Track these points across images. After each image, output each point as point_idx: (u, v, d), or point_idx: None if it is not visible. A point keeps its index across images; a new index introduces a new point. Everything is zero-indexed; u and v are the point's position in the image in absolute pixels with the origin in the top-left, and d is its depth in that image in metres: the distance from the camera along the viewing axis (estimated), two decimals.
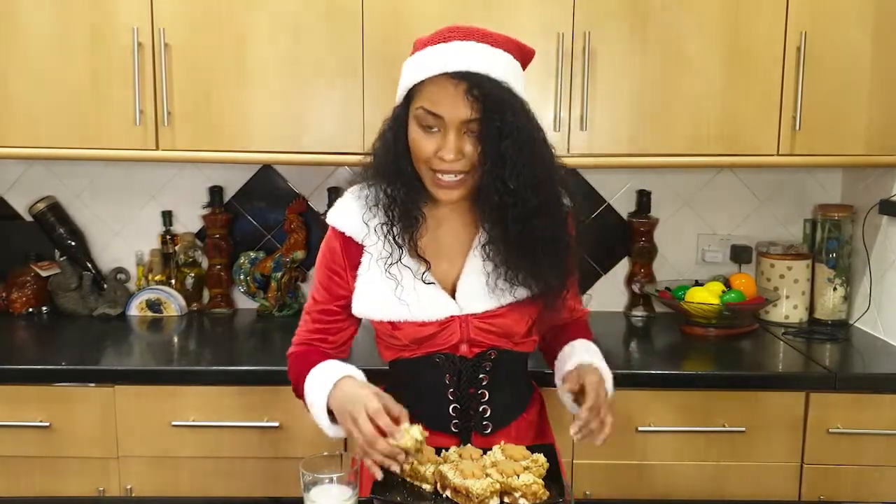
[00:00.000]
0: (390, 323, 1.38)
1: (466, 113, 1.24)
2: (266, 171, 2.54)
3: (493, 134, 1.24)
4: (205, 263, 2.56)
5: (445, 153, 1.25)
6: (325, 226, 2.47)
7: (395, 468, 1.18)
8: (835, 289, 2.43)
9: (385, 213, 1.33)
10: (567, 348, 1.46)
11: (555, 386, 1.45)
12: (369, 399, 1.21)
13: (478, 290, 1.36)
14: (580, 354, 1.42)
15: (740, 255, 2.51)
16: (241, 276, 2.51)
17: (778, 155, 2.11)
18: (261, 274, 2.50)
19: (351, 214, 1.39)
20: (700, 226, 2.57)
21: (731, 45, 2.07)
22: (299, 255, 2.48)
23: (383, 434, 1.17)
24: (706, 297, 2.28)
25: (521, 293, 1.36)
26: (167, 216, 2.52)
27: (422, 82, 1.27)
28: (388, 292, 1.35)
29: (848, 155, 2.13)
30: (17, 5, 2.05)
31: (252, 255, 2.52)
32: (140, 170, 2.52)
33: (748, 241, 2.55)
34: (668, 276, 2.56)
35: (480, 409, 1.41)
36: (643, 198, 2.49)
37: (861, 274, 2.41)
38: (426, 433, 1.20)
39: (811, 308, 2.47)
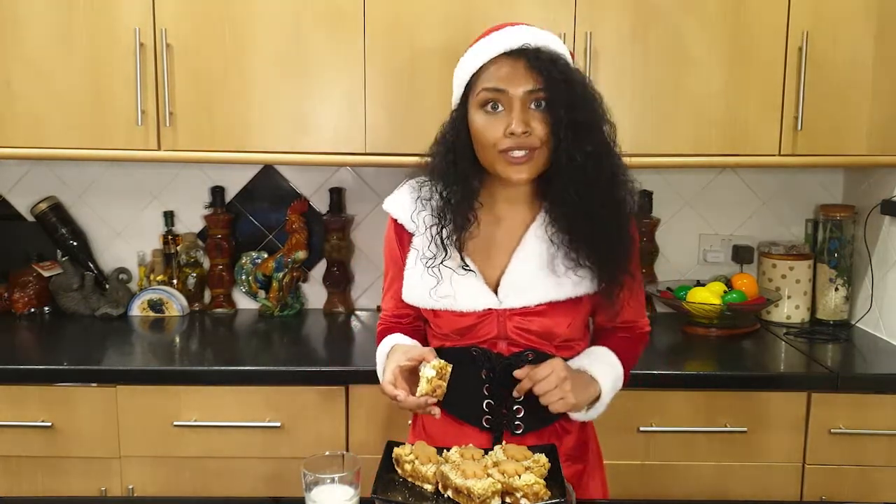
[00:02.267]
0: (433, 311, 1.40)
1: (530, 83, 1.26)
2: (268, 171, 2.54)
3: (561, 101, 1.25)
4: (206, 263, 2.56)
5: (515, 126, 1.25)
6: (327, 226, 2.48)
7: (435, 412, 1.27)
8: (836, 289, 2.43)
9: (435, 214, 1.34)
10: (590, 349, 1.44)
11: None
12: (386, 374, 1.31)
13: (522, 284, 1.35)
14: (584, 359, 1.41)
15: (742, 255, 2.51)
16: (243, 277, 2.51)
17: (780, 155, 2.11)
18: (262, 274, 2.51)
19: (402, 202, 1.42)
20: (702, 226, 2.56)
21: (733, 45, 2.07)
22: (301, 255, 2.48)
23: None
24: (708, 297, 2.28)
25: (566, 290, 1.34)
26: (169, 216, 2.52)
27: (480, 70, 1.29)
28: (430, 282, 1.36)
29: (850, 155, 2.12)
30: (20, 6, 2.05)
31: (254, 255, 2.52)
32: (142, 170, 2.52)
33: (750, 241, 2.54)
34: (669, 276, 2.55)
35: (514, 409, 1.40)
36: (645, 198, 2.49)
37: (863, 274, 2.40)
38: (439, 363, 1.27)
39: (813, 308, 2.47)
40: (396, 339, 1.44)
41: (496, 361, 1.38)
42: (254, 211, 2.56)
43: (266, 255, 2.53)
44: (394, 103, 2.09)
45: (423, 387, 1.26)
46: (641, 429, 1.95)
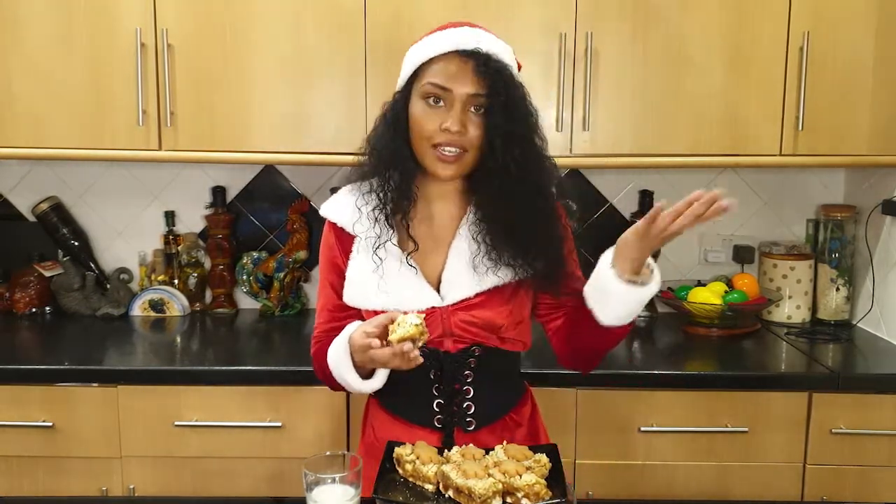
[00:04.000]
0: (374, 312, 1.38)
1: (474, 87, 1.29)
2: (268, 171, 2.54)
3: (499, 108, 1.30)
4: (207, 263, 2.56)
5: (451, 124, 1.29)
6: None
7: (415, 353, 1.21)
8: (837, 289, 2.42)
9: (378, 197, 1.37)
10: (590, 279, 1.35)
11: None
12: (357, 334, 1.28)
13: (460, 276, 1.37)
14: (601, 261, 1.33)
15: (743, 255, 2.51)
16: (244, 277, 2.51)
17: (781, 155, 2.11)
18: (263, 274, 2.51)
19: (343, 205, 1.44)
20: (702, 226, 2.55)
21: (734, 45, 2.07)
22: (302, 255, 2.48)
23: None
24: (709, 297, 2.28)
25: (503, 276, 1.37)
26: (170, 216, 2.52)
27: (430, 62, 1.32)
28: (373, 280, 1.37)
29: (851, 155, 2.12)
30: (21, 7, 2.05)
31: (255, 255, 2.52)
32: (143, 170, 2.52)
33: (751, 241, 2.54)
34: (670, 276, 2.55)
35: (464, 406, 1.41)
36: (646, 198, 2.49)
37: (864, 274, 2.40)
38: (421, 314, 1.24)
39: (814, 308, 2.47)
40: (351, 327, 1.36)
41: (444, 360, 1.39)
42: (254, 211, 2.56)
43: (267, 255, 2.53)
44: None
45: (402, 331, 1.21)
46: (642, 429, 1.95)
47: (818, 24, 2.06)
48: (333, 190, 2.45)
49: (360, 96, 2.09)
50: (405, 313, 1.25)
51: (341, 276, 1.43)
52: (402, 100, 1.37)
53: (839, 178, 2.53)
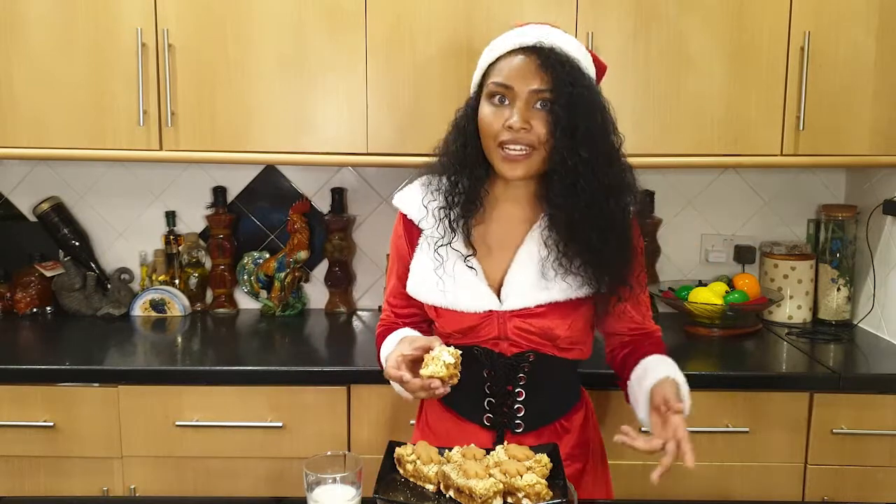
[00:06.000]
0: (434, 308, 1.40)
1: (536, 83, 1.27)
2: (269, 171, 2.54)
3: (564, 104, 1.26)
4: (208, 264, 2.56)
5: (514, 121, 1.27)
6: (329, 226, 2.48)
7: (441, 391, 1.24)
8: (838, 289, 2.42)
9: (445, 198, 1.36)
10: (639, 369, 1.42)
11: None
12: (391, 360, 1.28)
13: (523, 285, 1.35)
14: (655, 370, 1.39)
15: (744, 255, 2.51)
16: (245, 277, 2.51)
17: (782, 155, 2.11)
18: (264, 274, 2.51)
19: (413, 198, 1.43)
20: (703, 226, 2.56)
21: (735, 45, 2.07)
22: (303, 255, 2.48)
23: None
24: (709, 297, 2.28)
25: (565, 291, 1.34)
26: (171, 216, 2.53)
27: (496, 61, 1.31)
28: (433, 277, 1.38)
29: (852, 155, 2.12)
30: (22, 7, 2.05)
31: (255, 255, 2.52)
32: (144, 170, 2.52)
33: (752, 241, 2.54)
34: (671, 276, 2.55)
35: (515, 408, 1.41)
36: (647, 198, 2.49)
37: (865, 274, 2.40)
38: (458, 353, 1.26)
39: (815, 308, 2.47)
40: (405, 333, 1.43)
41: (497, 361, 1.39)
42: (255, 211, 2.56)
43: (268, 255, 2.53)
44: (396, 103, 2.09)
45: (433, 369, 1.24)
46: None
47: (819, 23, 2.05)
48: (335, 190, 2.48)
49: (361, 96, 2.09)
50: (448, 345, 1.28)
51: (407, 267, 1.44)
52: (472, 105, 1.35)
53: (840, 178, 2.53)
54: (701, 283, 2.43)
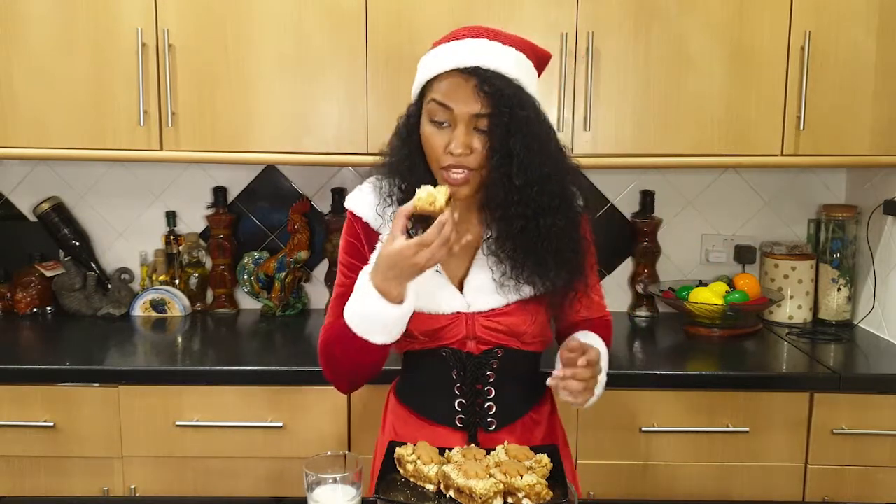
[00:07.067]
0: None
1: (476, 107, 1.26)
2: (270, 171, 2.54)
3: (502, 129, 1.26)
4: (208, 264, 2.56)
5: (454, 147, 1.26)
6: (329, 226, 2.47)
7: (448, 228, 1.18)
8: (839, 289, 2.42)
9: (399, 203, 1.34)
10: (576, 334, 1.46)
11: None
12: (388, 241, 1.21)
13: (485, 288, 1.37)
14: (584, 336, 1.43)
15: (744, 255, 2.51)
16: (245, 277, 2.51)
17: (782, 155, 2.11)
18: (264, 274, 2.51)
19: (367, 202, 1.41)
20: (704, 226, 2.56)
21: (735, 45, 2.07)
22: (303, 255, 2.49)
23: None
24: (710, 297, 2.28)
25: (527, 291, 1.37)
26: (171, 216, 2.53)
27: (435, 78, 1.30)
28: None
29: (852, 155, 2.12)
30: (22, 7, 2.05)
31: (256, 255, 2.52)
32: (144, 170, 2.52)
33: (752, 241, 2.54)
34: (671, 276, 2.55)
35: (486, 406, 1.41)
36: (647, 198, 2.49)
37: (865, 274, 2.40)
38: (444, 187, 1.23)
39: (815, 308, 2.47)
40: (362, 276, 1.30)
41: (466, 361, 1.39)
42: (256, 211, 2.56)
43: (268, 255, 2.53)
44: (396, 103, 2.08)
45: (434, 199, 1.19)
46: (643, 429, 1.95)
47: (820, 23, 2.05)
48: (336, 190, 2.48)
49: (362, 96, 2.09)
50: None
51: (362, 267, 1.38)
52: (415, 113, 1.35)
53: (841, 178, 2.53)
54: (701, 283, 2.43)
